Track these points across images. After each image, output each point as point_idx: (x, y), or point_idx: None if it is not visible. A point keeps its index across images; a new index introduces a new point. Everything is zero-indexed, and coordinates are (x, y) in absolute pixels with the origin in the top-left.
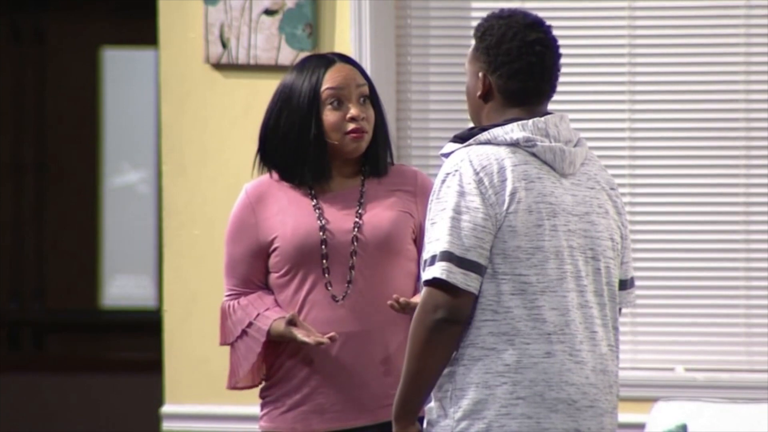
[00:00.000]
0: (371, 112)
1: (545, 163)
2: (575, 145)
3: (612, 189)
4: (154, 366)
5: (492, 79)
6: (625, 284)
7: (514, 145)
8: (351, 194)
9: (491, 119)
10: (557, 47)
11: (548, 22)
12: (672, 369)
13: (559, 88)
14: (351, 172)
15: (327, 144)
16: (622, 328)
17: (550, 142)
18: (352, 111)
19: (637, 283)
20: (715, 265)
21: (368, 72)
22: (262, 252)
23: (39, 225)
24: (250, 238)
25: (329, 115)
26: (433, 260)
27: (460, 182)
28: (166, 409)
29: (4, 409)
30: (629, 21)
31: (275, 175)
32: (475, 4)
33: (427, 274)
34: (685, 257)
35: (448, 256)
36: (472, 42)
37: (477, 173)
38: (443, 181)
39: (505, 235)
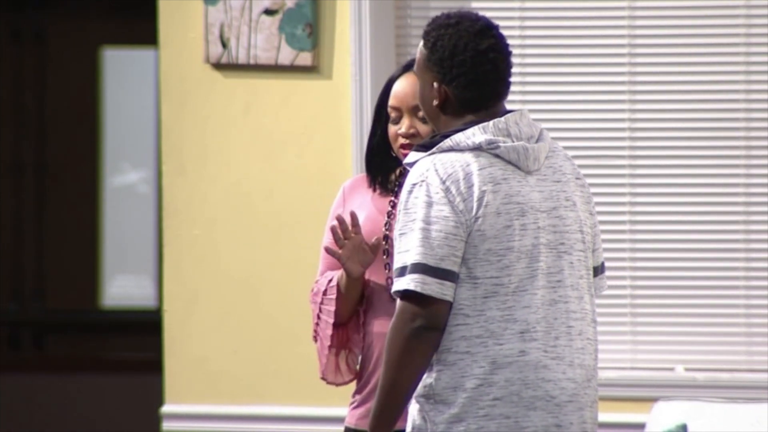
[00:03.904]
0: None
1: (509, 163)
2: (537, 140)
3: (578, 179)
4: (154, 366)
5: (447, 89)
6: (596, 270)
7: (477, 149)
8: None
9: (450, 125)
10: (507, 48)
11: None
12: (672, 369)
13: (559, 89)
14: None
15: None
16: (622, 328)
17: (513, 142)
18: (402, 128)
19: (638, 283)
20: (715, 265)
21: (368, 72)
22: None
23: (39, 225)
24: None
25: (390, 129)
26: (404, 271)
27: (427, 192)
28: (166, 409)
29: (4, 409)
30: (629, 21)
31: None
32: (475, 4)
33: (400, 285)
34: (685, 257)
35: (421, 268)
36: (422, 49)
37: (444, 182)
38: (410, 192)
39: (476, 239)
